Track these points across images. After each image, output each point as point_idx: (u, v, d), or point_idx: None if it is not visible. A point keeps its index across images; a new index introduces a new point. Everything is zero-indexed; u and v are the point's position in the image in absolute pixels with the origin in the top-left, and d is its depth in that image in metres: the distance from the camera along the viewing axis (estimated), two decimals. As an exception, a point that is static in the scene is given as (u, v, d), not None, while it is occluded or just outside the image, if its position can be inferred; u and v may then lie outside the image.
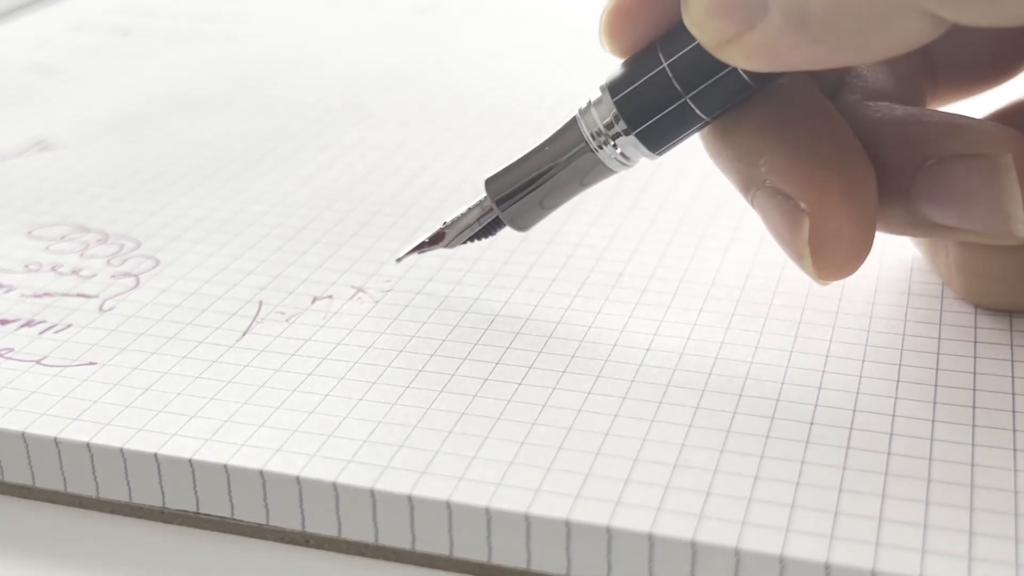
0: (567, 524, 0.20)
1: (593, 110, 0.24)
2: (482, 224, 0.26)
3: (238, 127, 0.39)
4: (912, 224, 0.23)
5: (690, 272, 0.28)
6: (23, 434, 0.22)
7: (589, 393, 0.23)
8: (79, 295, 0.28)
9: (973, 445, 0.21)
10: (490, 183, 0.25)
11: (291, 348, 0.25)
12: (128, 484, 0.22)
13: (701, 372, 0.24)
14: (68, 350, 0.25)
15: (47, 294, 0.28)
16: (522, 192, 0.25)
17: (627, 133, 0.23)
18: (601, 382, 0.23)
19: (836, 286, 0.27)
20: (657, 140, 0.23)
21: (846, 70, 0.25)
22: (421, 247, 0.27)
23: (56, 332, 0.26)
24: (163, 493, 0.22)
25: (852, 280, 0.27)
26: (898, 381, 0.23)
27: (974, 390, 0.23)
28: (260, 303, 0.27)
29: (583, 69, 0.44)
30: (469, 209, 0.26)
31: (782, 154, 0.22)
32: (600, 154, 0.24)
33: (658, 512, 0.20)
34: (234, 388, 0.23)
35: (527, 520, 0.20)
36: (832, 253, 0.22)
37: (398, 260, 0.28)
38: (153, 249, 0.30)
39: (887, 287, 0.27)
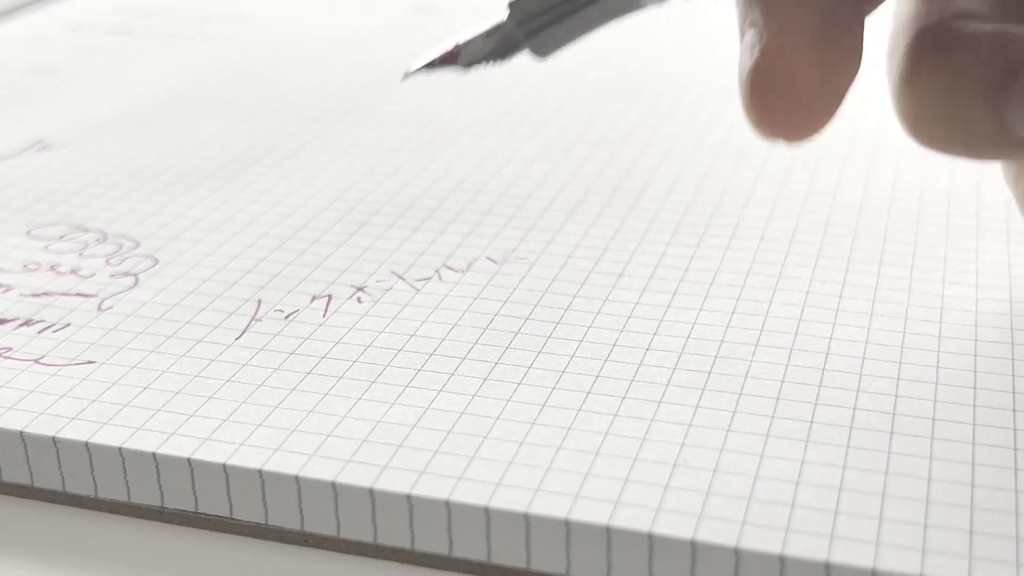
0: (567, 524, 0.20)
1: None
2: (500, 49, 0.24)
3: (238, 127, 0.39)
4: (1001, 143, 0.21)
5: (690, 272, 0.28)
6: (21, 433, 0.22)
7: (589, 393, 0.23)
8: (78, 294, 0.27)
9: (974, 444, 0.21)
10: (514, 5, 0.24)
11: (290, 347, 0.25)
12: (127, 483, 0.22)
13: (701, 371, 0.24)
14: (67, 349, 0.25)
15: (46, 293, 0.28)
16: (547, 17, 0.24)
17: None
18: (601, 382, 0.23)
19: (837, 283, 0.27)
20: None
21: None
22: (432, 65, 0.25)
23: (55, 331, 0.26)
24: (162, 492, 0.22)
25: (853, 278, 0.27)
26: (898, 379, 0.23)
27: (975, 388, 0.23)
28: (259, 302, 0.27)
29: (584, 69, 0.44)
30: (488, 31, 0.24)
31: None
32: None
33: (658, 512, 0.20)
34: (233, 387, 0.23)
35: (527, 520, 0.20)
36: (777, 101, 0.20)
37: (405, 77, 0.26)
38: (152, 248, 0.30)
39: (888, 284, 0.27)
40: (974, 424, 0.22)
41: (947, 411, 0.22)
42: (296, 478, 0.21)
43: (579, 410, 0.22)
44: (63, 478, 0.22)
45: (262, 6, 0.54)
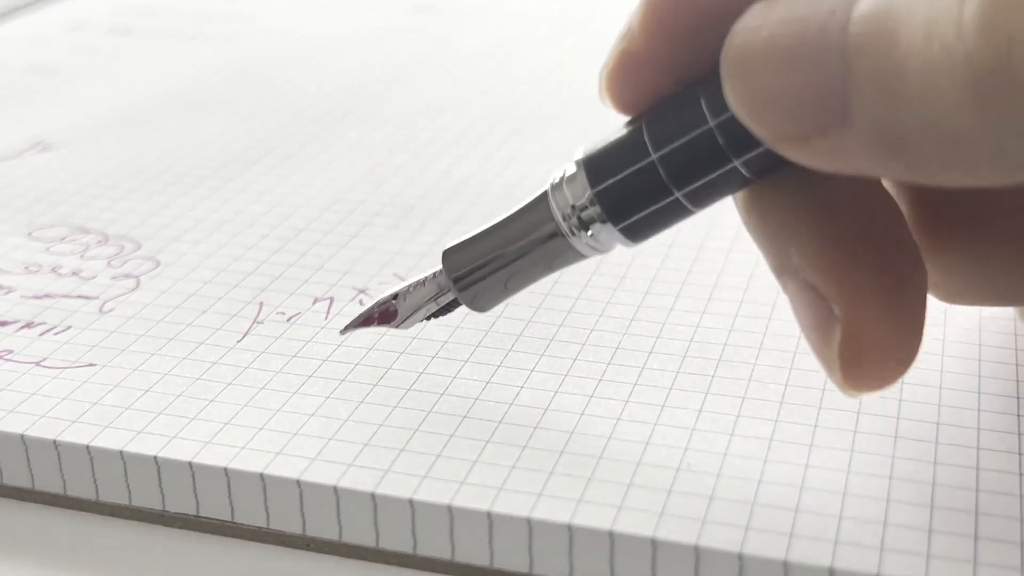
0: (569, 528, 0.20)
1: (566, 188, 0.21)
2: (439, 305, 0.23)
3: (238, 127, 0.39)
4: None
5: (693, 274, 0.28)
6: (23, 436, 0.22)
7: (591, 397, 0.23)
8: (79, 296, 0.27)
9: (978, 448, 0.21)
10: (448, 256, 0.22)
11: (292, 349, 0.25)
12: (128, 487, 0.22)
13: (704, 375, 0.24)
14: (68, 352, 0.25)
15: (47, 295, 0.27)
16: (482, 272, 0.22)
17: (604, 222, 0.20)
18: (603, 385, 0.23)
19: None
20: (639, 233, 0.20)
21: None
22: (368, 322, 0.24)
23: (56, 334, 0.26)
24: (163, 496, 0.22)
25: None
26: (902, 383, 0.23)
27: (979, 393, 0.23)
28: (260, 304, 0.27)
29: (584, 69, 0.44)
30: (423, 283, 0.23)
31: (817, 243, 0.19)
32: (571, 239, 0.21)
33: (661, 516, 0.20)
34: (234, 390, 0.23)
35: (529, 524, 0.20)
36: (866, 368, 0.19)
37: (342, 332, 0.25)
38: (153, 250, 0.30)
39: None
40: (978, 428, 0.22)
41: (951, 415, 0.22)
42: (298, 482, 0.21)
43: (582, 414, 0.22)
44: (64, 481, 0.22)
45: (262, 6, 0.54)
